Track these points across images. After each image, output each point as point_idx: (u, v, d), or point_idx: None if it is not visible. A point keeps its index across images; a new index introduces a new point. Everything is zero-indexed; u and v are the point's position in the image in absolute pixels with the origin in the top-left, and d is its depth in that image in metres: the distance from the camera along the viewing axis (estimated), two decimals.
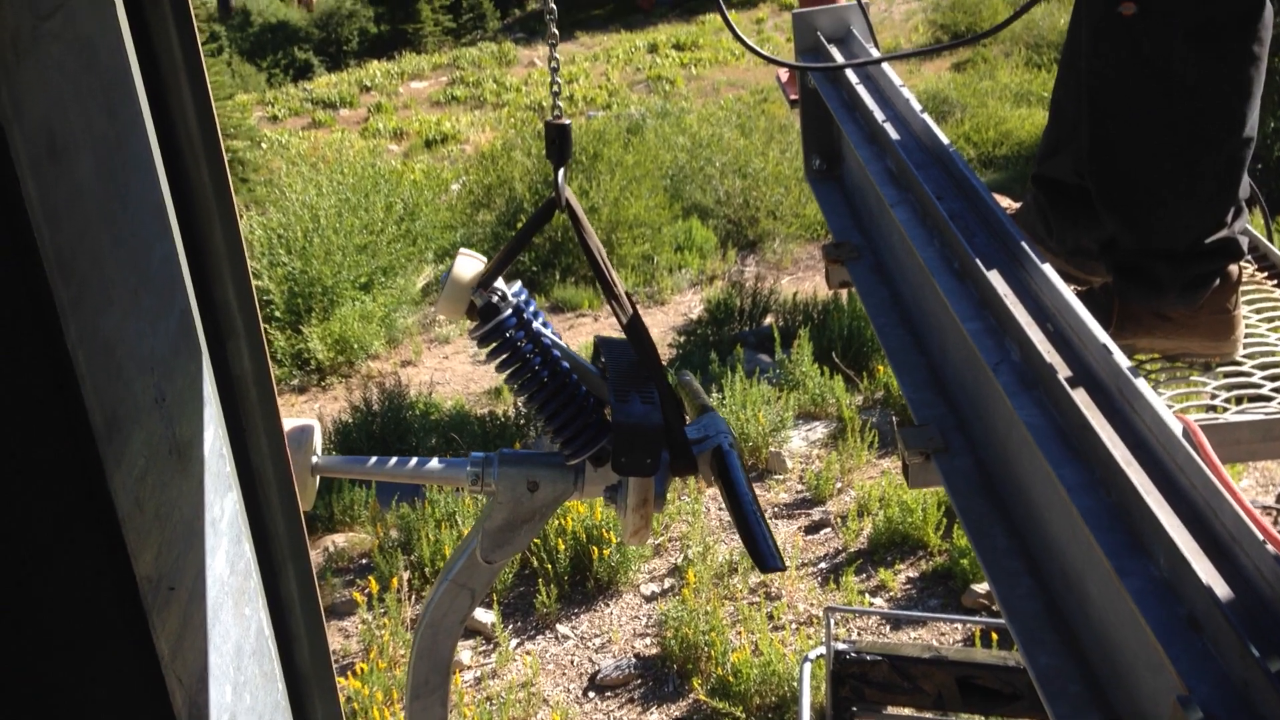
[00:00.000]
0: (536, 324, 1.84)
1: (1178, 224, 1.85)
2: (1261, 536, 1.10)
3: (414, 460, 1.94)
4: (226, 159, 1.02)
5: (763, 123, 18.20)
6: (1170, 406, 1.81)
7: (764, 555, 1.70)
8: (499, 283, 1.82)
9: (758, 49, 2.37)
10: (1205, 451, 1.29)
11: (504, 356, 1.81)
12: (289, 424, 1.71)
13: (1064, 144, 2.04)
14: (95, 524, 0.79)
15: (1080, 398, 1.38)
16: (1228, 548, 1.13)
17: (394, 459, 1.93)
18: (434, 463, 1.93)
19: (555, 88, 1.84)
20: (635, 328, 1.80)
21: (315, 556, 7.02)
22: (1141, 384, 1.36)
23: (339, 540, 7.19)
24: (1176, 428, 1.28)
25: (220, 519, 0.96)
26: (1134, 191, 1.87)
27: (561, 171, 1.80)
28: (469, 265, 1.82)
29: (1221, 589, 1.07)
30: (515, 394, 1.89)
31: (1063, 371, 1.43)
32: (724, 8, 2.32)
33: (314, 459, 1.83)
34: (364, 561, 6.92)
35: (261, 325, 1.09)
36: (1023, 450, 1.46)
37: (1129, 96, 1.83)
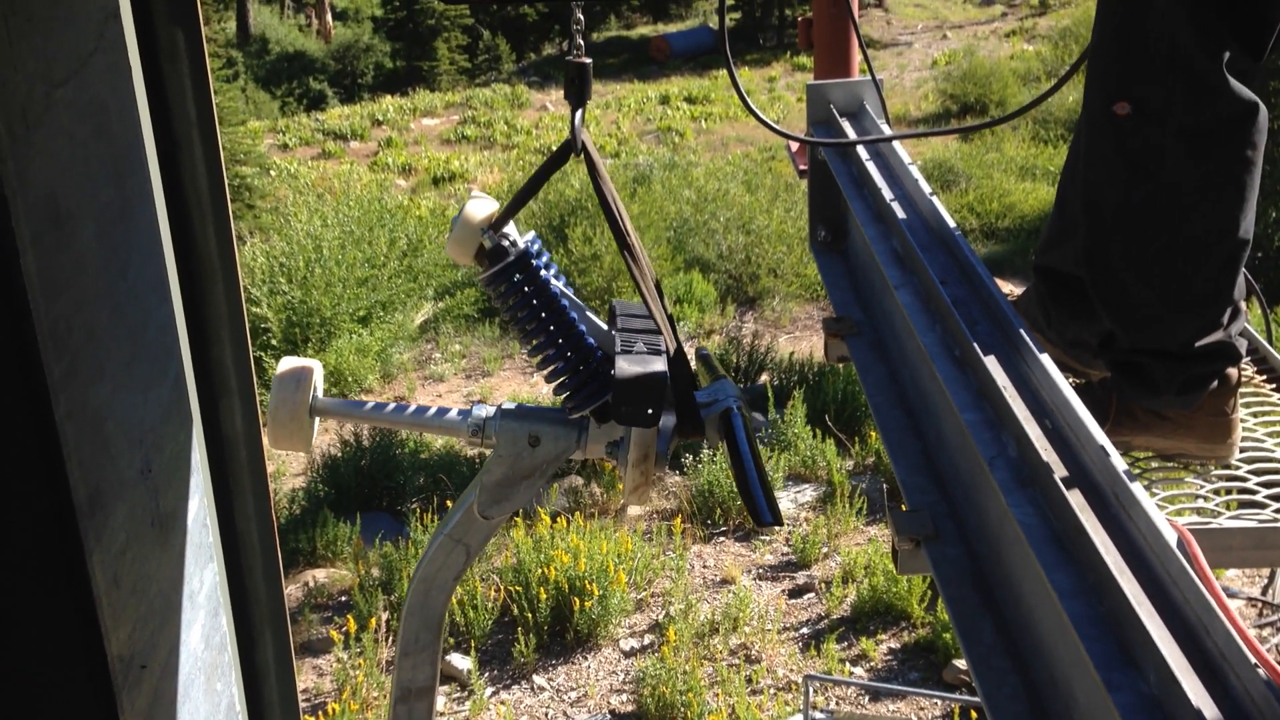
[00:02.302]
0: (547, 274, 1.79)
1: (1172, 325, 1.85)
2: (1253, 659, 1.08)
3: (413, 407, 1.88)
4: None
5: (769, 180, 18.31)
6: (1164, 509, 1.80)
7: (759, 509, 1.73)
8: (511, 229, 1.77)
9: (772, 124, 2.38)
10: (1199, 563, 1.27)
11: (510, 302, 1.76)
12: (288, 363, 1.66)
13: (1066, 236, 2.04)
14: (70, 603, 0.77)
15: (1075, 499, 1.37)
16: (1218, 667, 1.11)
17: (393, 405, 1.88)
18: (434, 411, 1.88)
19: (577, 25, 1.78)
20: (648, 282, 1.76)
21: (294, 591, 6.96)
22: (1137, 488, 1.35)
23: (319, 575, 7.13)
24: (1171, 536, 1.27)
25: (199, 591, 0.94)
26: (1127, 291, 1.87)
27: (579, 113, 1.73)
28: (481, 206, 1.77)
29: (1210, 710, 1.06)
30: (520, 343, 1.83)
31: (1059, 471, 1.42)
32: (737, 80, 2.34)
33: (313, 399, 1.73)
34: (343, 599, 6.85)
35: (255, 386, 1.08)
36: (1015, 548, 1.44)
37: (1122, 196, 1.84)
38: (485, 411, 1.82)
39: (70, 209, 0.76)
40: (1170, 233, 1.81)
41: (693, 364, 1.85)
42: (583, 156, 1.73)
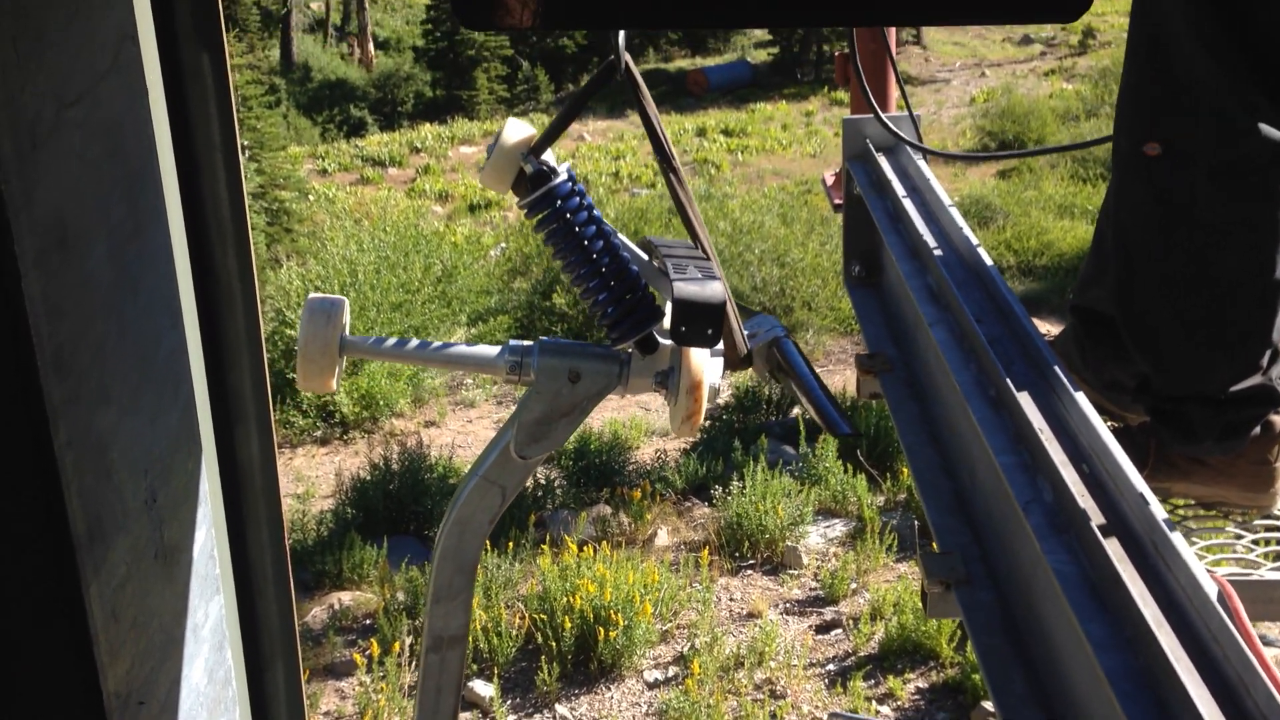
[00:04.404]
0: (588, 202, 1.73)
1: (1207, 369, 1.82)
2: None
3: (449, 345, 1.82)
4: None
5: (804, 214, 18.28)
6: (1203, 559, 1.75)
7: (835, 422, 1.76)
8: (550, 157, 1.71)
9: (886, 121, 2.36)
10: (1239, 617, 1.23)
11: (553, 226, 1.71)
12: (317, 296, 1.61)
13: (1102, 276, 2.01)
14: (66, 637, 0.75)
15: (1113, 548, 1.32)
16: None
17: (427, 342, 1.83)
18: (470, 349, 1.82)
19: None
20: (694, 207, 1.72)
21: (319, 613, 6.96)
22: (1177, 538, 1.31)
23: (345, 598, 7.12)
24: (1211, 589, 1.23)
25: (203, 625, 0.92)
26: (1161, 334, 1.84)
27: (621, 34, 1.65)
28: (520, 130, 1.70)
29: None
30: (564, 270, 1.76)
31: (1096, 518, 1.37)
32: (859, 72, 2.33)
33: (343, 336, 1.67)
34: (368, 622, 6.84)
35: (272, 411, 1.07)
36: (1048, 595, 1.40)
37: (1154, 237, 1.81)
38: (524, 346, 1.77)
39: (79, 229, 0.75)
40: (1203, 274, 1.77)
41: None
42: (626, 77, 1.67)
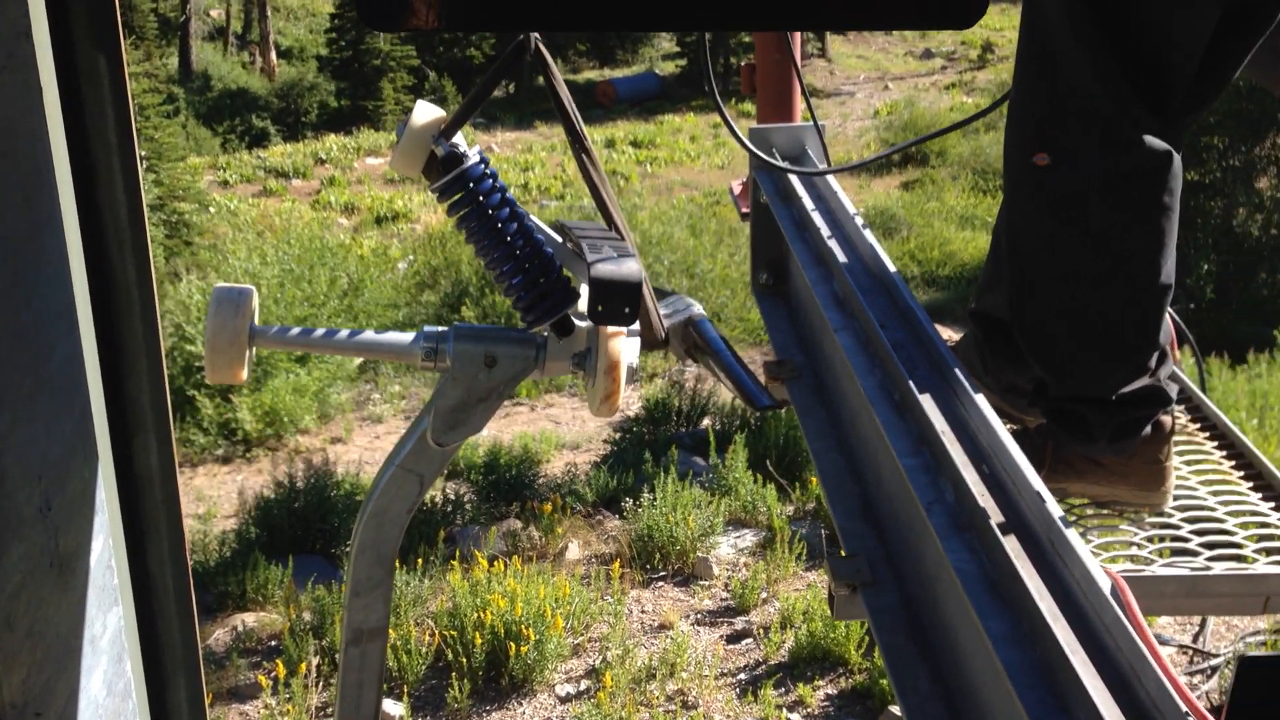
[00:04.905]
0: (501, 185, 1.72)
1: (1098, 372, 1.87)
2: (1184, 707, 1.07)
3: (360, 332, 1.78)
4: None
5: (713, 225, 18.44)
6: (1098, 555, 1.80)
7: (755, 395, 1.82)
8: (460, 140, 1.70)
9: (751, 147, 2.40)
10: (1132, 611, 1.27)
11: (466, 210, 1.69)
12: (224, 286, 1.57)
13: (998, 282, 2.07)
14: None
15: (1011, 545, 1.36)
16: (1151, 716, 1.11)
17: (341, 330, 1.78)
18: (382, 336, 1.78)
19: None
20: (607, 188, 1.72)
21: (223, 635, 6.80)
22: (1072, 535, 1.35)
23: (249, 619, 6.97)
24: (1105, 583, 1.27)
25: (101, 636, 0.90)
26: (1053, 339, 1.89)
27: None
28: (429, 111, 1.69)
29: None
30: (478, 254, 1.75)
31: (995, 517, 1.41)
32: (722, 109, 2.36)
33: (251, 325, 1.63)
34: (273, 643, 6.70)
35: (172, 422, 1.04)
36: (951, 594, 1.43)
37: (1045, 245, 1.86)
38: (439, 332, 1.74)
39: None
40: (1092, 280, 1.83)
41: None
42: (536, 58, 1.66)
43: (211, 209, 21.64)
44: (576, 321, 1.73)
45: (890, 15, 0.81)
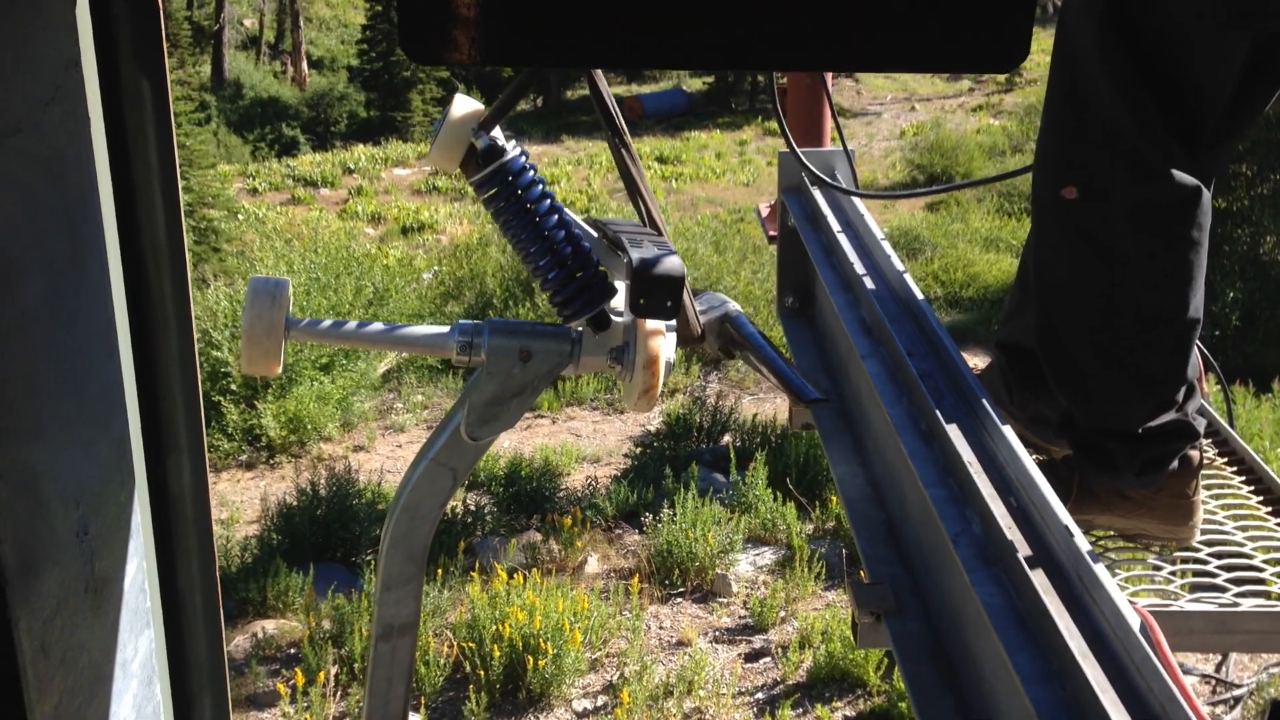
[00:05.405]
0: (540, 179, 1.70)
1: (1125, 405, 1.86)
2: None
3: (396, 326, 1.76)
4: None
5: (737, 242, 18.43)
6: (1125, 589, 1.79)
7: (802, 388, 1.74)
8: (498, 134, 1.68)
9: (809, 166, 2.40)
10: (1162, 649, 1.26)
11: (503, 204, 1.68)
12: (261, 278, 1.57)
13: (1025, 310, 2.06)
14: None
15: (1039, 580, 1.35)
16: None
17: (375, 322, 1.78)
18: (417, 329, 1.77)
19: None
20: (645, 182, 1.71)
21: (242, 642, 6.82)
22: (1101, 570, 1.34)
23: (269, 626, 6.99)
24: (1134, 621, 1.26)
25: (132, 660, 0.90)
26: (1080, 372, 1.88)
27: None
28: (467, 104, 1.67)
29: None
30: (515, 248, 1.73)
31: (1023, 550, 1.40)
32: (781, 115, 2.36)
33: (287, 316, 1.60)
34: (292, 651, 6.72)
35: (205, 440, 1.05)
36: (977, 627, 1.42)
37: (1073, 278, 1.86)
38: (474, 325, 1.73)
39: (17, 261, 0.73)
40: (1120, 313, 1.82)
41: None
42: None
43: (240, 216, 21.80)
44: (613, 316, 1.73)
45: (931, 58, 0.81)
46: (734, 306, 1.85)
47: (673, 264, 1.59)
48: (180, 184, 1.01)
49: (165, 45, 0.92)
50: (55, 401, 0.80)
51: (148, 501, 0.98)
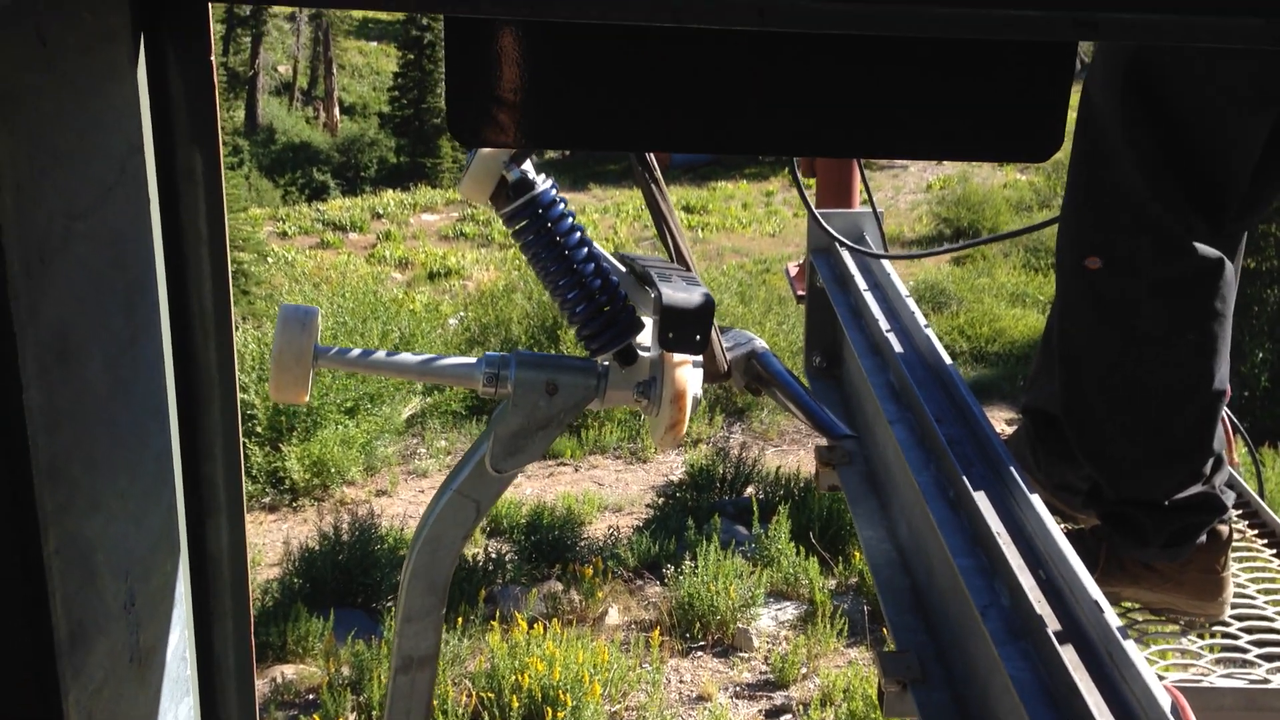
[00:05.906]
0: (569, 212, 1.73)
1: (1150, 476, 1.86)
2: None
3: (423, 357, 1.77)
4: (231, 270, 1.00)
5: (763, 293, 18.45)
6: (1154, 663, 1.78)
7: (831, 424, 1.75)
8: (529, 167, 1.70)
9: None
10: None
11: (532, 236, 1.69)
12: (291, 306, 1.58)
13: (1050, 376, 2.06)
14: None
15: (1069, 656, 1.35)
16: None
17: (402, 354, 1.79)
18: (445, 360, 1.78)
19: None
20: (675, 218, 1.73)
21: (262, 686, 6.81)
22: (1131, 647, 1.33)
23: (288, 671, 6.98)
24: (1165, 700, 1.25)
25: None
26: (1105, 442, 1.88)
27: None
28: None
29: None
30: (543, 280, 1.75)
31: (1052, 625, 1.40)
32: (801, 188, 2.38)
33: (315, 345, 1.63)
34: (310, 697, 6.71)
35: (245, 500, 1.07)
36: (1005, 700, 1.42)
37: (1097, 349, 1.86)
38: (501, 358, 1.74)
39: (79, 342, 0.76)
40: (1144, 385, 1.82)
41: None
42: None
43: (270, 259, 22.02)
44: (640, 351, 1.74)
45: (966, 147, 0.83)
46: (761, 344, 1.85)
47: (701, 298, 1.61)
48: (229, 251, 1.03)
49: (219, 126, 0.95)
50: (112, 476, 0.82)
51: (187, 567, 0.99)
